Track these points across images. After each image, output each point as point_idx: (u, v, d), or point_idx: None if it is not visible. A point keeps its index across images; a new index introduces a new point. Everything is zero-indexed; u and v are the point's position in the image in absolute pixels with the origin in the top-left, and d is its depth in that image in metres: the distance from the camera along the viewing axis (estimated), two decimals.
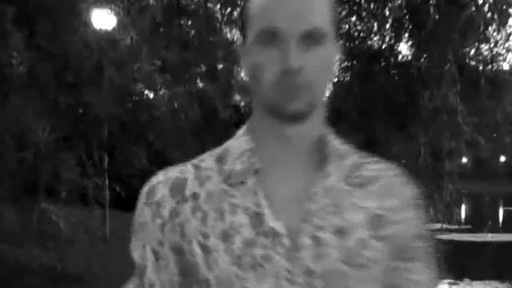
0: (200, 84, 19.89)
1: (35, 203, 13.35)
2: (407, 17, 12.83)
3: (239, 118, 19.05)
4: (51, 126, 12.81)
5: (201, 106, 17.97)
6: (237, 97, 22.22)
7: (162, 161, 15.34)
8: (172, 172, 1.46)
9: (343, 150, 1.46)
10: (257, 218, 1.36)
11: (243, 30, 1.42)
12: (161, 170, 1.47)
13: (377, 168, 1.46)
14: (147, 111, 16.84)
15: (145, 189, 1.45)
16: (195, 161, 1.47)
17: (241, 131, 1.47)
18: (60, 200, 13.83)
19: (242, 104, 22.36)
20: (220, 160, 1.44)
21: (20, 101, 12.32)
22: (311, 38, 1.34)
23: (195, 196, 1.41)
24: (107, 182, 16.20)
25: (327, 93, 1.40)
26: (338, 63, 1.57)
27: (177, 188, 1.42)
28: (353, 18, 12.71)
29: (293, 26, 1.32)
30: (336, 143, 1.45)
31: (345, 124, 11.80)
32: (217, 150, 1.47)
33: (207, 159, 1.46)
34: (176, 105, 17.92)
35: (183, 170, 1.45)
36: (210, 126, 17.91)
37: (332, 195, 1.39)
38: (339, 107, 12.18)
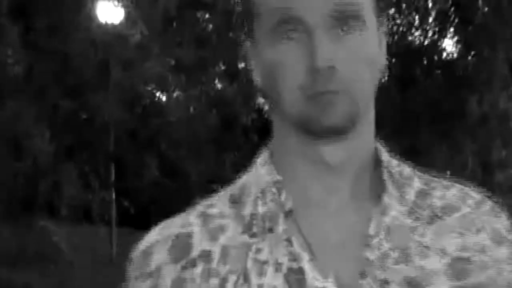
0: (219, 86, 20.15)
1: (33, 221, 13.50)
2: (452, 9, 12.91)
3: (262, 124, 19.21)
4: (50, 134, 13.00)
5: (220, 110, 18.21)
6: (260, 100, 22.34)
7: (176, 173, 15.55)
8: (171, 227, 1.25)
9: (403, 174, 1.26)
10: (295, 277, 1.16)
11: (249, 24, 1.25)
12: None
13: (451, 194, 1.26)
14: (159, 116, 17.11)
15: (136, 254, 1.24)
16: (200, 207, 1.27)
17: (261, 158, 1.28)
18: (61, 218, 14.03)
19: (266, 107, 22.51)
20: (236, 202, 1.25)
21: (16, 105, 12.46)
22: (343, 22, 1.15)
23: (206, 256, 1.20)
24: (113, 196, 16.32)
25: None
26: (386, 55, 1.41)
27: (180, 248, 1.22)
28: (392, 11, 12.78)
29: (316, 9, 1.14)
30: (392, 165, 1.26)
31: (381, 132, 12.01)
32: (231, 189, 1.28)
33: (218, 203, 1.27)
34: (191, 109, 18.15)
35: (186, 222, 1.25)
36: (230, 133, 18.03)
37: (396, 236, 1.20)
38: (375, 112, 12.45)
